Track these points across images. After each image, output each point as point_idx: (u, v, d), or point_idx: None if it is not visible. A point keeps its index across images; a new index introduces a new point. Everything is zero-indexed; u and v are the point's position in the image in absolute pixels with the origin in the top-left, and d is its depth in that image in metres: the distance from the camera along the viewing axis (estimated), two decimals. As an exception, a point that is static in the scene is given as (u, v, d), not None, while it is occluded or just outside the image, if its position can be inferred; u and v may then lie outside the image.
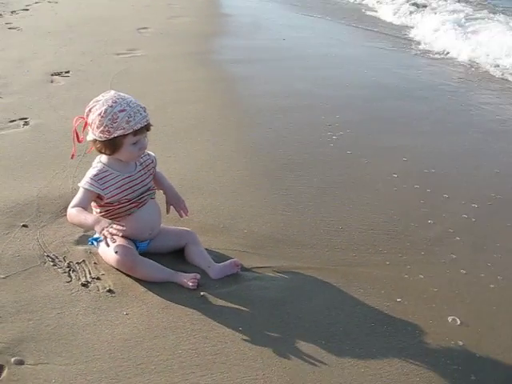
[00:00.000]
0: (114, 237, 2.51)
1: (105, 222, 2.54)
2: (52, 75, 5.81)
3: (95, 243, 2.89)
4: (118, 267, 2.75)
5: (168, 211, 3.01)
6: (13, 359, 2.20)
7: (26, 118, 4.62)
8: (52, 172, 3.70)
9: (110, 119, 2.56)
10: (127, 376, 2.18)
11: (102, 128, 2.59)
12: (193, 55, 6.91)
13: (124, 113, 2.57)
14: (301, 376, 2.22)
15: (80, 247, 2.94)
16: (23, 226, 3.10)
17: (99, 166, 2.74)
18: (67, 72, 5.94)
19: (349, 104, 5.53)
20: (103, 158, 2.76)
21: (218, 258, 2.91)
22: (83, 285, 2.67)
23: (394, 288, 2.80)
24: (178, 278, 2.72)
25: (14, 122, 4.55)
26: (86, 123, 2.70)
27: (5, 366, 2.17)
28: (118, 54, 6.76)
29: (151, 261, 2.76)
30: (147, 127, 2.68)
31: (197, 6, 10.49)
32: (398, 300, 2.71)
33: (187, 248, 2.92)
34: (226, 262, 2.84)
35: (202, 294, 2.66)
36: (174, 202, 3.00)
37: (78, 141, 2.76)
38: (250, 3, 11.63)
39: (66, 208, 3.19)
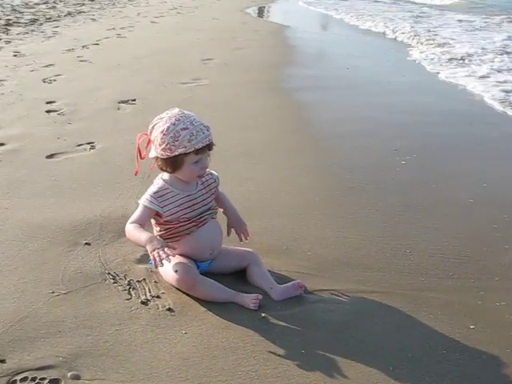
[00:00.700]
0: (171, 257, 2.47)
1: (157, 242, 2.50)
2: (119, 103, 5.95)
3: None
4: (178, 286, 2.69)
5: (229, 233, 2.95)
6: (69, 374, 2.16)
7: (92, 143, 4.72)
8: (115, 193, 3.72)
9: (171, 137, 2.53)
10: (186, 396, 2.09)
11: (163, 146, 2.56)
12: (257, 83, 6.95)
13: (186, 131, 2.54)
14: (367, 403, 2.07)
15: (141, 266, 2.91)
16: (86, 243, 3.11)
17: (160, 183, 2.72)
18: (133, 100, 6.07)
19: (415, 129, 5.40)
20: (165, 175, 2.74)
21: (281, 279, 2.81)
22: (143, 303, 2.62)
23: (466, 314, 2.60)
24: (240, 298, 2.63)
25: (81, 146, 4.65)
26: (149, 140, 2.69)
27: (61, 380, 2.14)
28: (183, 83, 6.87)
29: (212, 280, 2.69)
30: (209, 146, 2.63)
31: (260, 39, 10.63)
32: (472, 327, 2.51)
33: (249, 269, 2.83)
34: (288, 284, 2.74)
35: (263, 315, 2.55)
36: (236, 224, 2.94)
37: (141, 157, 2.75)
38: (314, 35, 11.72)
39: (127, 227, 3.24)
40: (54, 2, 17.94)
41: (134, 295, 2.67)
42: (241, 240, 2.94)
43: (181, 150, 2.54)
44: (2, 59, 8.42)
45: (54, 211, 3.48)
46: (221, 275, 2.79)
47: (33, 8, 16.10)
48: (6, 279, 2.77)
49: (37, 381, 2.13)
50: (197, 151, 2.57)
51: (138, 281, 2.78)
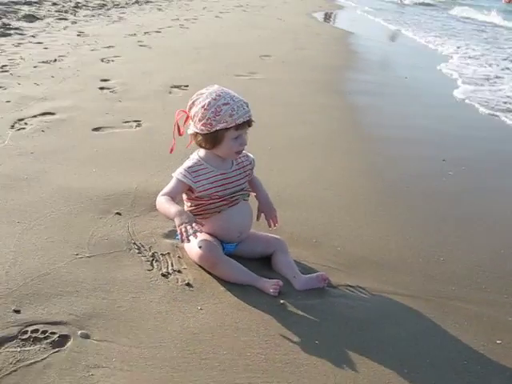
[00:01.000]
0: (198, 233, 2.45)
1: (186, 216, 2.46)
2: (171, 87, 6.00)
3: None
4: (200, 263, 2.66)
5: (258, 218, 2.90)
6: (79, 332, 2.16)
7: (139, 121, 4.76)
8: (153, 170, 3.73)
9: (213, 112, 2.52)
10: (189, 368, 2.06)
11: (204, 121, 2.54)
12: (312, 83, 6.89)
13: (227, 106, 2.52)
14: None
15: (167, 240, 2.90)
16: (117, 213, 3.12)
17: (196, 158, 2.70)
18: (186, 86, 6.10)
19: (467, 142, 5.23)
20: (201, 152, 2.72)
21: (306, 271, 2.74)
22: (163, 275, 2.61)
23: (494, 328, 2.48)
24: (260, 282, 2.58)
25: (128, 123, 4.70)
26: (187, 117, 2.68)
27: (71, 336, 2.14)
28: (238, 76, 6.87)
29: (234, 261, 2.65)
30: (249, 123, 2.61)
31: (324, 42, 10.55)
32: (498, 342, 2.38)
33: (274, 256, 2.78)
34: (312, 275, 2.67)
35: (282, 301, 2.50)
36: (266, 209, 2.89)
37: (179, 134, 2.73)
38: (377, 44, 11.58)
39: (160, 202, 3.23)
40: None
41: (155, 267, 2.66)
42: (269, 226, 2.89)
43: (222, 125, 2.52)
44: (66, 37, 8.64)
45: (91, 180, 3.52)
46: (246, 259, 2.75)
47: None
48: (34, 236, 2.81)
49: (47, 334, 2.15)
50: (237, 127, 2.54)
51: (161, 254, 2.77)
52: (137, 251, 2.78)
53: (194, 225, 2.41)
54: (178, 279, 2.59)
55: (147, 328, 2.24)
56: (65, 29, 9.52)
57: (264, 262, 2.79)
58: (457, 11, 23.02)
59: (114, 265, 2.64)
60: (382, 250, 3.05)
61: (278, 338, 2.26)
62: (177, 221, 2.45)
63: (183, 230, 2.39)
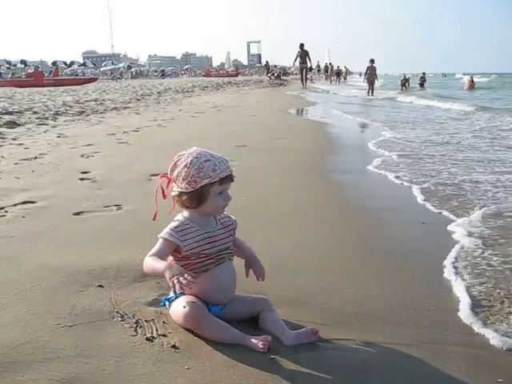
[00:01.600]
0: (183, 294, 2.45)
1: (177, 269, 2.46)
2: (151, 175, 6.06)
3: (167, 304, 2.77)
4: (185, 323, 2.59)
5: (247, 274, 2.87)
6: (61, 397, 2.05)
7: (119, 205, 4.77)
8: (136, 245, 3.69)
9: (196, 169, 2.56)
10: (178, 427, 1.94)
11: (188, 179, 2.58)
12: (290, 166, 7.00)
13: (209, 162, 2.57)
14: None
15: (151, 308, 2.83)
16: (99, 286, 3.06)
17: (181, 218, 2.71)
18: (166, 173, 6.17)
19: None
20: (185, 213, 2.73)
21: (295, 328, 2.67)
22: (148, 339, 2.52)
23: (494, 369, 2.40)
24: (248, 340, 2.50)
25: (108, 207, 4.71)
26: (169, 181, 2.71)
27: (51, 403, 2.03)
28: (216, 163, 6.98)
29: (220, 320, 2.58)
30: (231, 177, 2.66)
31: (298, 132, 10.81)
32: (500, 380, 2.31)
33: (261, 315, 2.72)
34: (301, 330, 2.61)
35: (272, 356, 2.42)
36: (253, 263, 2.86)
37: (163, 197, 2.74)
38: (351, 132, 11.96)
39: (143, 275, 3.20)
40: (102, 100, 19.00)
41: (139, 332, 2.58)
42: (258, 279, 2.85)
43: (206, 181, 2.56)
44: (46, 139, 8.82)
45: (71, 257, 3.47)
46: (232, 321, 2.68)
47: (82, 104, 17.06)
48: (13, 309, 2.74)
49: (26, 401, 2.03)
50: (221, 181, 2.59)
51: (145, 320, 2.69)
52: (120, 319, 2.70)
53: (186, 275, 2.38)
54: (163, 342, 2.50)
55: (133, 389, 2.14)
56: (45, 132, 9.73)
57: (250, 323, 2.72)
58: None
59: (97, 332, 2.56)
60: (369, 304, 2.99)
61: (270, 394, 2.17)
62: (167, 274, 2.42)
63: (175, 281, 2.36)
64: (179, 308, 2.59)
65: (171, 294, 2.74)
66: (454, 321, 2.85)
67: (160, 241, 2.65)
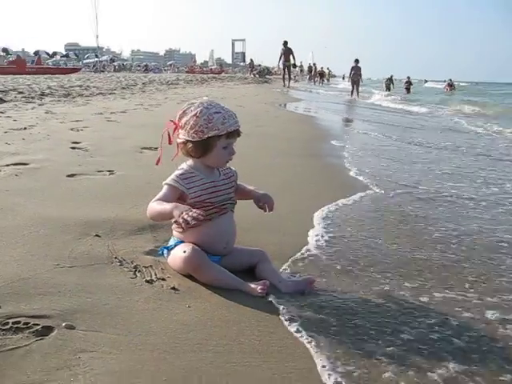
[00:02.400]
0: (187, 243, 2.53)
1: (183, 207, 2.44)
2: (142, 148, 6.07)
3: (165, 252, 2.79)
4: (185, 267, 2.61)
5: (264, 208, 2.84)
6: (64, 323, 2.08)
7: (112, 171, 4.77)
8: (131, 204, 3.72)
9: (205, 119, 2.56)
10: (182, 351, 1.99)
11: (196, 128, 2.58)
12: (276, 149, 7.01)
13: (219, 114, 2.58)
14: None
15: (149, 257, 2.86)
16: (96, 235, 3.07)
17: (185, 167, 2.72)
18: (156, 148, 6.17)
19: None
20: (190, 161, 2.74)
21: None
22: (147, 281, 2.56)
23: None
24: (246, 286, 2.55)
25: (101, 172, 4.70)
26: (175, 127, 2.70)
27: (54, 328, 2.05)
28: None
29: (219, 266, 2.62)
30: (238, 132, 2.67)
31: (284, 122, 10.88)
32: None
33: (258, 265, 2.76)
34: (299, 278, 2.68)
35: (270, 299, 2.47)
36: (264, 198, 2.85)
37: (169, 142, 2.74)
38: (337, 124, 12.05)
39: (140, 229, 3.22)
40: (87, 86, 18.86)
41: (139, 276, 2.61)
42: (265, 210, 2.84)
43: (214, 133, 2.56)
44: (34, 114, 8.75)
45: (68, 211, 3.47)
46: (230, 271, 2.71)
47: (67, 88, 16.92)
48: (13, 251, 2.74)
49: (29, 325, 2.06)
50: (228, 135, 2.60)
51: (144, 266, 2.72)
52: (118, 264, 2.72)
53: (194, 210, 2.37)
54: (162, 285, 2.54)
55: (135, 321, 2.18)
56: (32, 109, 9.66)
57: (247, 273, 2.75)
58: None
59: (96, 274, 2.58)
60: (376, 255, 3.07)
61: (271, 328, 2.22)
62: (176, 212, 2.40)
63: (185, 216, 2.33)
64: (179, 253, 2.62)
65: (170, 243, 2.78)
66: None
67: (165, 187, 2.67)
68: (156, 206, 2.58)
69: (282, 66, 30.79)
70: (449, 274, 2.95)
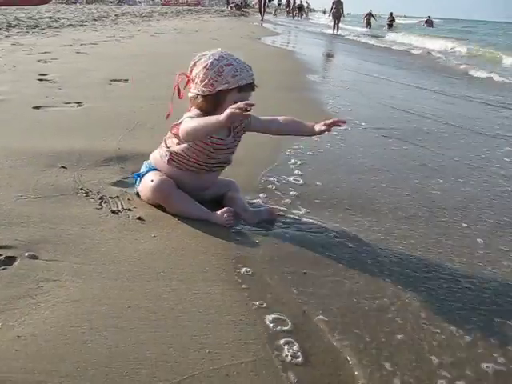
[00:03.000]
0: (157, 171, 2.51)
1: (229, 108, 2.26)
2: (111, 80, 5.92)
3: (138, 179, 2.71)
4: (153, 197, 2.57)
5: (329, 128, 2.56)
6: (27, 253, 2.05)
7: (80, 103, 4.66)
8: (98, 136, 3.65)
9: (215, 72, 2.41)
10: (145, 279, 1.99)
11: (206, 81, 2.42)
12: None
13: (230, 67, 2.41)
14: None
15: (116, 188, 2.82)
16: (62, 167, 3.02)
17: (196, 114, 2.52)
18: (126, 80, 6.04)
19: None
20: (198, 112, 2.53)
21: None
22: (113, 212, 2.53)
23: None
24: (213, 215, 2.53)
25: (69, 104, 4.59)
26: (188, 81, 2.54)
27: (17, 257, 2.03)
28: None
29: (187, 195, 2.58)
30: (252, 86, 2.48)
31: (262, 55, 10.69)
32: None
33: (226, 194, 2.73)
34: (262, 208, 2.67)
35: (238, 228, 2.48)
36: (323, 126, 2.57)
37: (179, 97, 2.59)
38: (316, 58, 11.89)
39: (107, 160, 3.17)
40: (57, 18, 18.20)
41: (104, 206, 2.58)
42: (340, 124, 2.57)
43: (224, 86, 2.40)
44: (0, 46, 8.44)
45: (33, 142, 3.40)
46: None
47: (36, 20, 16.30)
48: (-28, 183, 2.68)
49: (-9, 255, 2.02)
50: (240, 89, 2.42)
51: (110, 197, 2.69)
52: (84, 195, 2.69)
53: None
54: (129, 215, 2.51)
55: (99, 250, 2.16)
56: (-2, 41, 9.31)
57: (215, 204, 2.72)
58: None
59: (61, 204, 2.54)
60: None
61: (237, 258, 2.22)
62: (229, 110, 2.23)
63: (241, 106, 2.20)
64: (147, 182, 2.58)
65: (142, 169, 2.71)
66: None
67: (193, 119, 2.47)
68: (201, 122, 2.42)
69: None
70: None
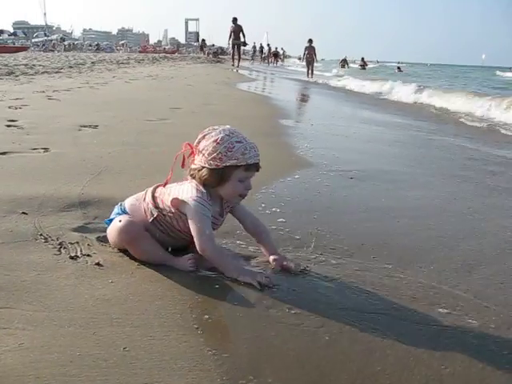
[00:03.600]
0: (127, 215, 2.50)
1: (249, 272, 2.44)
2: (81, 126, 5.93)
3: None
4: (120, 238, 2.53)
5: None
6: (-24, 299, 2.01)
7: (47, 148, 4.65)
8: (63, 181, 3.64)
9: (225, 147, 2.41)
10: (99, 326, 1.95)
11: (214, 155, 2.42)
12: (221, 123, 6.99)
13: (240, 144, 2.42)
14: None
15: (76, 233, 2.80)
16: (23, 213, 2.99)
17: (203, 190, 2.49)
18: (96, 126, 6.06)
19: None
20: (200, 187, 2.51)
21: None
22: (71, 258, 2.51)
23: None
24: (176, 260, 2.51)
25: (36, 150, 4.58)
26: (192, 152, 2.53)
27: (-34, 306, 1.98)
28: (149, 120, 6.88)
29: (154, 241, 2.55)
30: (257, 167, 2.50)
31: (235, 100, 10.82)
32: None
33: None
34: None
35: (200, 273, 2.46)
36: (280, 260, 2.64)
37: (182, 166, 2.57)
38: (290, 103, 12.07)
39: (69, 205, 3.15)
40: (33, 65, 18.31)
41: (63, 252, 2.55)
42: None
43: (232, 162, 2.41)
44: (-30, 93, 8.44)
45: (-6, 188, 3.37)
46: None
47: (12, 67, 16.39)
48: None
49: None
50: (246, 167, 2.44)
51: (70, 242, 2.67)
52: (43, 241, 2.66)
53: (268, 277, 2.39)
54: (87, 261, 2.49)
55: (54, 297, 2.13)
56: (-31, 87, 9.31)
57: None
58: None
59: (19, 251, 2.51)
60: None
61: (194, 301, 2.20)
62: (243, 278, 2.39)
63: (263, 281, 2.35)
64: (115, 223, 2.56)
65: (114, 212, 2.69)
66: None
67: (205, 219, 2.44)
68: (221, 257, 2.48)
69: (231, 45, 28.99)
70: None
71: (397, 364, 1.88)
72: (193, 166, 2.51)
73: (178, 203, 2.50)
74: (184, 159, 2.55)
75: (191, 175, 2.52)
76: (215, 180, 2.46)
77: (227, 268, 2.43)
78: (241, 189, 2.49)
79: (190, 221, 2.44)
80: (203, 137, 2.49)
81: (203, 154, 2.45)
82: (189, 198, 2.46)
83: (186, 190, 2.50)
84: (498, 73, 60.05)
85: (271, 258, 2.63)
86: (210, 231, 2.43)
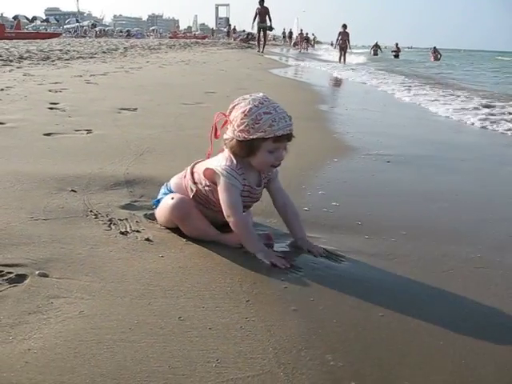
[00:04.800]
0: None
1: (269, 251, 2.43)
2: (120, 109, 6.03)
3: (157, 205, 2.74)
4: (171, 215, 2.57)
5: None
6: (37, 272, 2.10)
7: (89, 130, 4.75)
8: (107, 161, 3.72)
9: (252, 119, 2.35)
10: (153, 297, 2.02)
11: (242, 127, 2.38)
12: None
13: (269, 116, 2.35)
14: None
15: (124, 210, 2.87)
16: (72, 190, 3.08)
17: (234, 159, 2.49)
18: (135, 109, 6.15)
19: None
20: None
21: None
22: (122, 233, 2.57)
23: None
24: (224, 237, 2.56)
25: (79, 131, 4.69)
26: (226, 121, 2.50)
27: (28, 275, 2.07)
28: (184, 104, 6.97)
29: (204, 217, 2.59)
30: (289, 137, 2.44)
31: (267, 85, 10.83)
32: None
33: None
34: (261, 232, 2.65)
35: (244, 251, 2.49)
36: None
37: (215, 136, 2.56)
38: (324, 88, 12.03)
39: (116, 184, 3.23)
40: (67, 51, 18.56)
41: (113, 228, 2.62)
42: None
43: (259, 135, 2.36)
44: (12, 76, 8.63)
45: (43, 166, 3.48)
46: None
47: (47, 52, 16.65)
48: (-15, 204, 2.74)
49: (3, 273, 2.07)
50: (275, 139, 2.38)
51: (119, 219, 2.74)
52: (94, 217, 2.73)
53: (284, 261, 2.38)
54: (137, 236, 2.55)
55: (108, 269, 2.19)
56: (10, 71, 9.52)
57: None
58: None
59: (71, 226, 2.59)
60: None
61: (242, 275, 2.24)
62: (261, 255, 2.41)
63: (278, 263, 2.35)
64: (167, 200, 2.60)
65: (161, 192, 2.75)
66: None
67: (234, 190, 2.46)
68: (248, 233, 2.49)
69: (256, 28, 27.29)
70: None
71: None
72: (225, 136, 2.50)
73: (209, 173, 2.52)
74: (216, 130, 2.55)
75: (225, 145, 2.51)
76: (244, 151, 2.44)
77: (247, 241, 2.45)
78: (271, 160, 2.45)
79: (218, 189, 2.47)
80: (233, 107, 2.46)
81: (233, 125, 2.43)
82: (218, 167, 2.47)
83: (217, 160, 2.52)
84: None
85: (297, 240, 2.62)
86: (236, 200, 2.44)
